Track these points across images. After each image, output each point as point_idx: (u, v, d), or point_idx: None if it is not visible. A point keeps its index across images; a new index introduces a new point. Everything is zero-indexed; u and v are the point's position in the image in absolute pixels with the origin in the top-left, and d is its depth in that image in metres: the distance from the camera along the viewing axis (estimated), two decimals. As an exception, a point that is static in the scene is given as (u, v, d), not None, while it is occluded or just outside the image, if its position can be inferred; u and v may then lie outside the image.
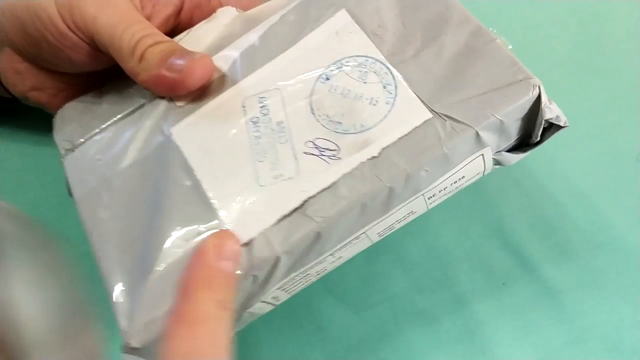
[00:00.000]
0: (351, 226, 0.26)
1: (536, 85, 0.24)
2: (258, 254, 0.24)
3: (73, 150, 0.30)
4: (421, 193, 0.26)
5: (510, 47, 0.26)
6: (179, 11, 0.33)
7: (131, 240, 0.26)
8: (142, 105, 0.30)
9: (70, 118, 0.31)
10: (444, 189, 0.27)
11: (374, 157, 0.25)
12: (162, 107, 0.29)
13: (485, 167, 0.27)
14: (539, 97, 0.24)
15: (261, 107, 0.27)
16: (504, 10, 0.42)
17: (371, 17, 0.28)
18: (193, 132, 0.28)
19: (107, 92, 0.31)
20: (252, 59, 0.29)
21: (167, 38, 0.30)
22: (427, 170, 0.25)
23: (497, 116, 0.24)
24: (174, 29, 0.34)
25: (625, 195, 0.37)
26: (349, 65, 0.27)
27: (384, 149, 0.25)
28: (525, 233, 0.36)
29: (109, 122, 0.30)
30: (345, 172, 0.25)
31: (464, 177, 0.27)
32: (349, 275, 0.32)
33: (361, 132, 0.25)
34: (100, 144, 0.29)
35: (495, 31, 0.26)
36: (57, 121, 0.31)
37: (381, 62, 0.27)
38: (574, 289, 0.35)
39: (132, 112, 0.30)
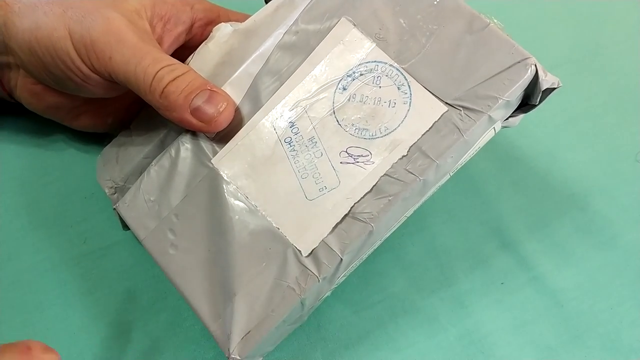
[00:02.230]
0: (395, 216, 0.28)
1: (533, 64, 0.26)
2: (323, 260, 0.27)
3: (116, 191, 0.32)
4: (448, 174, 0.29)
5: (503, 26, 0.28)
6: (190, 28, 0.34)
7: (205, 268, 0.29)
8: (168, 131, 0.32)
9: (108, 159, 0.33)
10: (464, 161, 0.30)
11: (404, 156, 0.27)
12: (193, 137, 0.31)
13: (495, 133, 0.29)
14: (536, 72, 0.26)
15: (291, 127, 0.29)
16: (504, 10, 0.42)
17: (371, 20, 0.29)
18: (234, 160, 0.30)
19: (136, 127, 0.33)
20: (270, 78, 0.30)
21: (183, 67, 0.30)
22: (452, 157, 0.27)
23: (504, 98, 0.26)
24: (187, 44, 0.35)
25: (624, 195, 0.37)
26: (361, 73, 0.28)
27: (411, 146, 0.27)
28: (524, 233, 0.36)
29: (142, 155, 0.32)
30: (381, 174, 0.27)
31: (479, 147, 0.30)
32: (349, 275, 0.32)
33: (387, 134, 0.28)
34: (147, 184, 0.31)
35: (487, 14, 0.28)
36: (99, 165, 0.33)
37: (391, 65, 0.28)
38: (572, 288, 0.35)
39: (161, 140, 0.32)
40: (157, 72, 0.29)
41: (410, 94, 0.28)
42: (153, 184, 0.31)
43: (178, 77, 0.29)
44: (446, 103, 0.27)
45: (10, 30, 0.30)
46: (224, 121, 0.29)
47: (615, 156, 0.38)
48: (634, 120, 0.39)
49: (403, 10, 0.29)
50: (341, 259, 0.27)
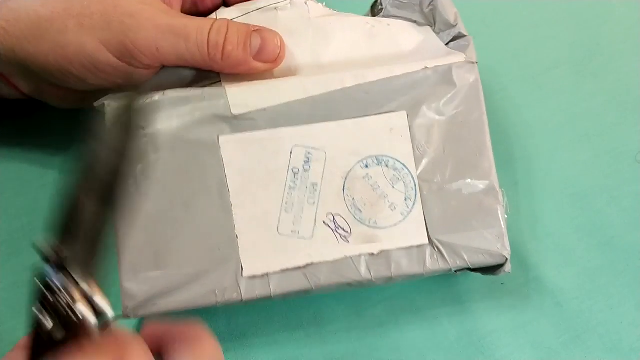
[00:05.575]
0: (338, 289, 0.31)
1: (506, 259, 0.30)
2: (256, 289, 0.29)
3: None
4: (397, 282, 0.32)
5: (508, 213, 0.31)
6: None
7: (152, 225, 0.29)
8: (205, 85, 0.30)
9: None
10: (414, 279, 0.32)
11: (372, 254, 0.29)
12: (219, 102, 0.29)
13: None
14: (504, 264, 0.30)
15: (305, 162, 0.30)
16: (503, 10, 0.42)
17: (422, 131, 0.30)
18: (239, 151, 0.29)
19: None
20: (313, 110, 0.30)
21: (221, 22, 0.29)
22: (405, 278, 0.30)
23: (470, 265, 0.30)
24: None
25: (623, 195, 0.37)
26: (388, 166, 0.30)
27: (382, 251, 0.30)
28: (524, 232, 0.36)
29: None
30: (347, 255, 0.29)
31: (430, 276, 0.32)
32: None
33: (372, 227, 0.30)
34: (146, 110, 0.29)
35: (504, 192, 0.31)
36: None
37: (412, 178, 0.30)
38: (572, 288, 0.35)
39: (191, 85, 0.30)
40: (208, 39, 0.28)
41: (410, 211, 0.30)
42: (161, 105, 0.29)
43: (226, 34, 0.29)
44: (430, 238, 0.30)
45: (19, 55, 0.29)
46: (284, 52, 0.30)
47: (615, 156, 0.38)
48: (634, 120, 0.39)
49: (450, 142, 0.30)
50: (270, 297, 0.29)
